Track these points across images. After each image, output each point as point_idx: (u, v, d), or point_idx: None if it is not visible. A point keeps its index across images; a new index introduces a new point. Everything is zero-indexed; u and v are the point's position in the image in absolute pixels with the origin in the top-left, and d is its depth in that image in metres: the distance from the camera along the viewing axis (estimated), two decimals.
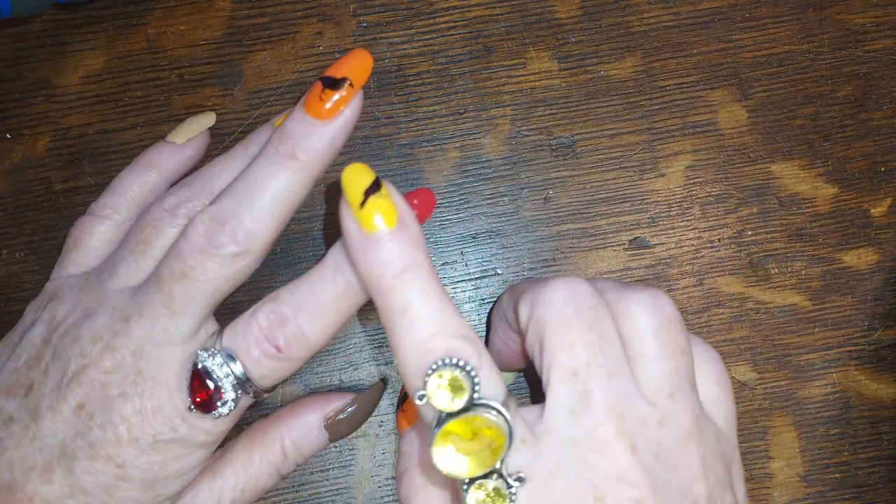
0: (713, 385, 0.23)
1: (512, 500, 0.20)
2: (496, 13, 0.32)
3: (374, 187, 0.21)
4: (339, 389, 0.30)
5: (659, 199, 0.31)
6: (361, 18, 0.31)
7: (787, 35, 0.32)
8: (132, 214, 0.27)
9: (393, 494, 0.30)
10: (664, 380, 0.21)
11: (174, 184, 0.28)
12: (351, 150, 0.31)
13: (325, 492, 0.30)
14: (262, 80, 0.31)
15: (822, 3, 0.32)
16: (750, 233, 0.31)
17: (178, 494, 0.25)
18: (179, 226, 0.25)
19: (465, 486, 0.20)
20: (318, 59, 0.31)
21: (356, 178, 0.22)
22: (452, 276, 0.31)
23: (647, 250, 0.31)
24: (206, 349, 0.24)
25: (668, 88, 0.32)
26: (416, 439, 0.25)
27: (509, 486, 0.20)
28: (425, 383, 0.20)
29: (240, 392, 0.24)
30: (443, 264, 0.31)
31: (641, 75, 0.32)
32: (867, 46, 0.32)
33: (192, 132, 0.29)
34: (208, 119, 0.29)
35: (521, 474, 0.20)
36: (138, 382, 0.24)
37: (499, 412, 0.20)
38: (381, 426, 0.30)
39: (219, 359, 0.23)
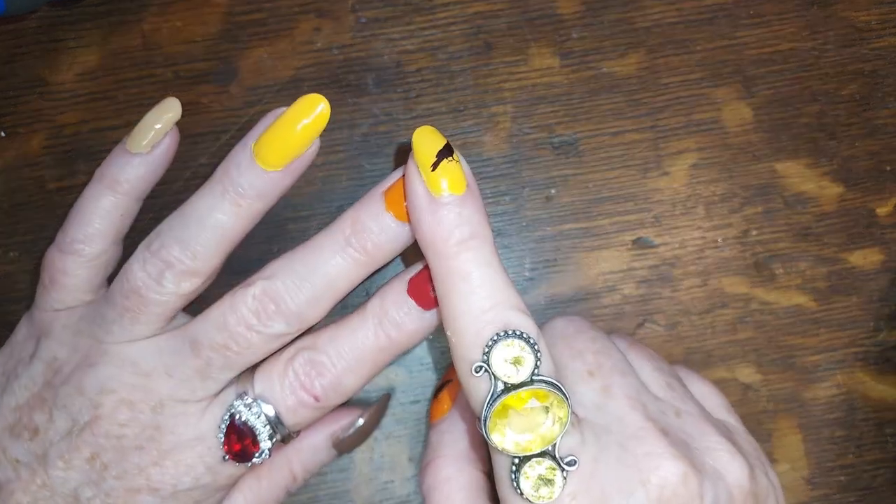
0: (698, 383, 0.26)
1: (562, 485, 0.20)
2: (497, 8, 0.31)
3: (447, 151, 0.21)
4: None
5: (663, 197, 0.31)
6: (360, 14, 0.31)
7: (792, 32, 0.32)
8: (106, 246, 0.25)
9: (391, 498, 0.30)
10: (656, 376, 0.23)
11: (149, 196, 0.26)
12: (349, 147, 0.31)
13: (324, 495, 0.30)
14: (259, 77, 0.31)
15: (827, 0, 0.32)
16: (755, 232, 0.31)
17: None
18: (168, 293, 0.23)
19: (514, 467, 0.20)
20: (316, 56, 0.31)
21: (428, 140, 0.21)
22: None
23: (651, 250, 0.31)
24: (241, 398, 0.23)
25: (671, 86, 0.31)
26: (447, 430, 0.24)
27: (562, 469, 0.20)
28: (486, 353, 0.20)
29: (274, 438, 0.24)
30: None
31: (645, 72, 0.31)
32: (873, 44, 0.32)
33: (157, 135, 0.24)
34: (172, 111, 0.25)
35: (572, 457, 0.20)
36: (156, 437, 0.23)
37: (559, 388, 0.20)
38: (379, 430, 0.30)
39: (255, 409, 0.23)
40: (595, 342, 0.23)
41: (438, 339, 0.31)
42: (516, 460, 0.20)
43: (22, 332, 0.26)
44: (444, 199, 0.21)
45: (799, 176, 0.31)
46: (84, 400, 0.23)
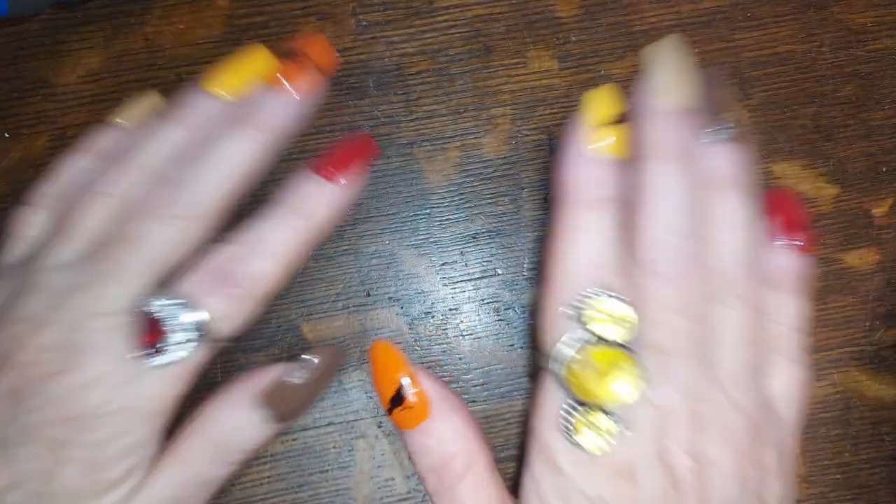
0: (791, 386, 0.24)
1: (599, 448, 0.21)
2: (496, 12, 0.32)
3: (620, 120, 0.22)
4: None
5: None
6: (360, 17, 0.31)
7: (789, 34, 0.32)
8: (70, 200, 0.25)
9: (392, 495, 0.30)
10: (733, 367, 0.22)
11: None
12: None
13: (325, 493, 0.30)
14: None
15: (823, 3, 0.32)
16: None
17: (123, 481, 0.23)
18: (103, 204, 0.24)
19: (567, 407, 0.21)
20: None
21: (602, 100, 0.23)
22: (452, 276, 0.31)
23: None
24: (155, 295, 0.22)
25: None
26: (446, 429, 0.23)
27: (618, 433, 0.21)
28: (583, 300, 0.21)
29: (191, 337, 0.22)
30: (443, 264, 0.31)
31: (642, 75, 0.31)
32: (868, 46, 0.32)
33: (139, 115, 0.26)
34: (151, 99, 0.27)
35: (626, 420, 0.21)
36: (71, 356, 0.22)
37: (643, 367, 0.21)
38: (380, 427, 0.30)
39: (167, 302, 0.22)
40: (689, 314, 0.22)
41: (439, 339, 0.31)
42: (571, 403, 0.22)
43: None
44: (599, 157, 0.22)
45: (795, 177, 0.32)
46: (4, 333, 0.23)
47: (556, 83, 0.31)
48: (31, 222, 0.25)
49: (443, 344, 0.31)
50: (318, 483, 0.30)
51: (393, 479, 0.30)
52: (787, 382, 0.24)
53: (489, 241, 0.31)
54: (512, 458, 0.30)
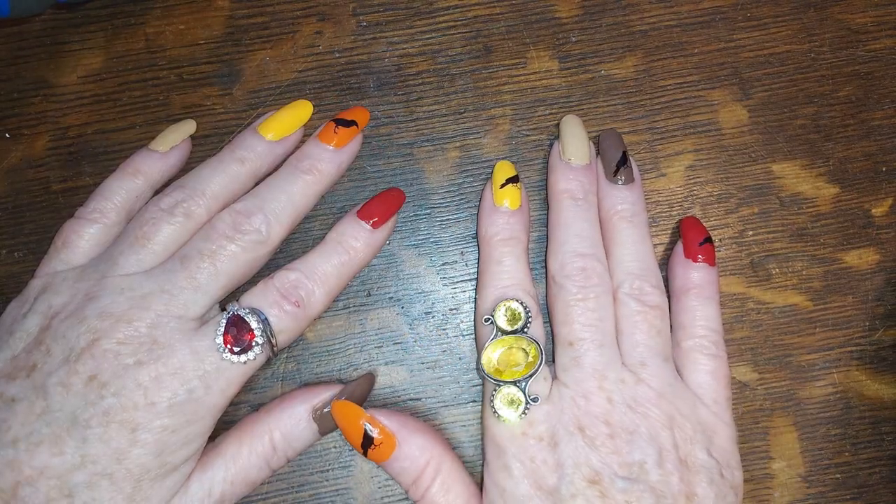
0: (705, 374, 0.28)
1: (525, 412, 0.27)
2: (496, 12, 0.32)
3: (514, 180, 0.30)
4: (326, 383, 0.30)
5: (660, 198, 0.31)
6: (361, 18, 0.31)
7: (788, 34, 0.32)
8: (120, 218, 0.29)
9: (392, 495, 0.30)
10: (635, 351, 0.28)
11: (158, 190, 0.30)
12: None
13: (325, 492, 0.30)
14: (262, 80, 0.31)
15: (822, 3, 0.32)
16: (751, 233, 0.31)
17: (180, 468, 0.26)
18: (177, 223, 0.27)
19: (493, 392, 0.27)
20: (318, 59, 0.31)
21: (503, 169, 0.30)
22: (452, 276, 0.31)
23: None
24: (233, 306, 0.27)
25: (668, 88, 0.32)
26: (412, 449, 0.27)
27: (527, 400, 0.27)
28: (494, 310, 0.28)
29: (265, 341, 0.27)
30: (443, 264, 0.31)
31: (642, 75, 0.32)
32: (868, 46, 0.32)
33: (175, 140, 0.30)
34: (189, 126, 0.30)
35: (536, 396, 0.27)
36: (154, 350, 0.25)
37: (537, 345, 0.28)
38: None
39: (245, 310, 0.27)
40: (588, 313, 0.28)
41: (440, 339, 0.31)
42: (496, 386, 0.27)
43: (18, 298, 0.28)
44: (501, 209, 0.29)
45: (795, 177, 0.32)
46: (83, 327, 0.26)
47: (556, 83, 0.31)
48: (83, 234, 0.28)
49: (443, 344, 0.31)
50: (318, 483, 0.30)
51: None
52: (704, 374, 0.28)
53: None
54: None
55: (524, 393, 0.27)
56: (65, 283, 0.27)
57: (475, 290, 0.31)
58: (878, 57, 0.32)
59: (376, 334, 0.31)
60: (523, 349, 0.28)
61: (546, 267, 0.30)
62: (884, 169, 0.32)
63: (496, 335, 0.28)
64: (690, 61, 0.32)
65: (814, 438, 0.31)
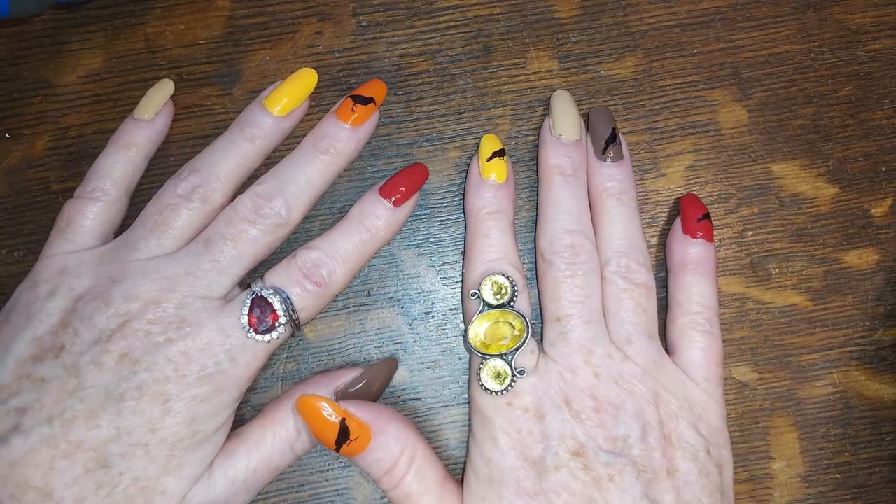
0: (698, 350, 0.29)
1: (511, 385, 0.27)
2: (496, 13, 0.32)
3: (501, 153, 0.30)
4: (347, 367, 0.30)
5: (660, 198, 0.31)
6: (361, 18, 0.31)
7: (788, 35, 0.32)
8: (120, 194, 0.29)
9: None
10: (622, 329, 0.28)
11: (153, 158, 0.31)
12: None
13: (325, 492, 0.30)
14: (262, 80, 0.31)
15: (822, 3, 0.32)
16: (751, 233, 0.31)
17: (211, 438, 0.27)
18: (195, 209, 0.28)
19: (480, 365, 0.28)
20: (318, 59, 0.31)
21: (490, 142, 0.30)
22: (452, 277, 0.31)
23: (649, 250, 0.31)
24: (257, 286, 0.27)
25: (668, 88, 0.32)
26: (384, 443, 0.27)
27: (513, 373, 0.27)
28: (481, 284, 0.28)
29: (288, 320, 0.27)
30: (443, 264, 0.31)
31: (642, 75, 0.32)
32: (868, 46, 0.32)
33: (158, 104, 0.30)
34: (168, 87, 0.30)
35: (523, 369, 0.28)
36: (182, 327, 0.26)
37: (523, 319, 0.28)
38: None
39: (269, 290, 0.27)
40: (575, 290, 0.28)
41: (440, 339, 0.31)
42: (483, 360, 0.28)
43: (29, 280, 0.28)
44: (488, 182, 0.29)
45: (794, 177, 0.32)
46: (110, 309, 0.26)
47: (556, 84, 0.31)
48: (86, 213, 0.29)
49: (443, 344, 0.31)
50: (318, 483, 0.30)
51: None
52: (698, 351, 0.29)
53: None
54: None
55: (510, 366, 0.28)
56: (84, 267, 0.28)
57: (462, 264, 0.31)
58: (877, 57, 0.32)
59: (376, 334, 0.31)
60: (510, 323, 0.28)
61: (535, 243, 0.30)
62: (883, 169, 0.32)
63: (483, 309, 0.28)
64: (690, 61, 0.32)
65: (814, 438, 0.31)
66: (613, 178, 0.29)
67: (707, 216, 0.30)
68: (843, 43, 0.32)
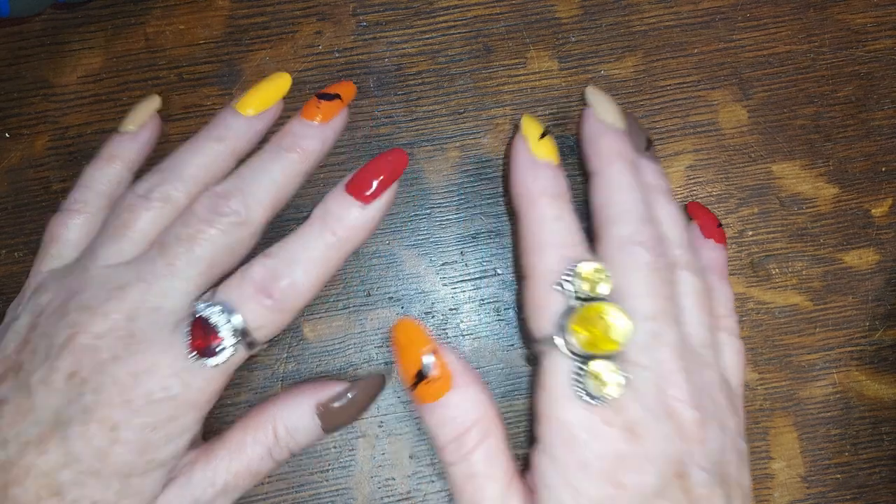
0: (732, 354, 0.28)
1: (610, 396, 0.24)
2: (496, 12, 0.32)
3: (547, 132, 0.27)
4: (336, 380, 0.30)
5: None
6: (361, 17, 0.31)
7: (788, 35, 0.32)
8: (103, 206, 0.28)
9: (392, 495, 0.30)
10: (702, 332, 0.26)
11: (139, 171, 0.29)
12: (351, 149, 0.31)
13: (325, 492, 0.30)
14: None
15: (822, 3, 0.32)
16: (751, 233, 0.31)
17: (169, 462, 0.25)
18: (155, 209, 0.26)
19: (577, 371, 0.24)
20: (318, 59, 0.31)
21: (534, 123, 0.28)
22: (452, 277, 0.31)
23: None
24: (203, 301, 0.25)
25: (668, 88, 0.32)
26: (466, 400, 0.25)
27: (612, 386, 0.24)
28: (567, 275, 0.25)
29: (238, 341, 0.25)
30: (443, 264, 0.31)
31: (642, 75, 0.32)
32: (868, 46, 0.32)
33: (143, 118, 0.29)
34: (154, 102, 0.29)
35: (623, 377, 0.24)
36: (130, 344, 0.24)
37: (625, 315, 0.24)
38: (380, 427, 0.30)
39: (216, 308, 0.25)
40: (667, 285, 0.25)
41: (439, 339, 0.31)
42: (578, 364, 0.24)
43: (13, 304, 0.28)
44: (545, 162, 0.27)
45: (795, 177, 0.32)
46: (63, 322, 0.25)
47: (555, 83, 0.31)
48: (70, 226, 0.28)
49: (443, 344, 0.31)
50: (318, 482, 0.30)
51: (393, 478, 0.30)
52: (732, 354, 0.28)
53: (489, 241, 0.31)
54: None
55: (611, 373, 0.24)
56: (52, 282, 0.27)
57: (518, 255, 0.28)
58: (878, 57, 0.32)
59: (376, 334, 0.31)
60: (605, 319, 0.24)
61: (603, 231, 0.26)
62: (883, 169, 0.32)
63: (577, 304, 0.24)
64: (690, 61, 0.32)
65: (814, 439, 0.31)
66: (658, 174, 0.28)
67: (720, 223, 0.30)
68: (844, 43, 0.32)
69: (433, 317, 0.31)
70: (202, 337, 0.25)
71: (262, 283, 0.25)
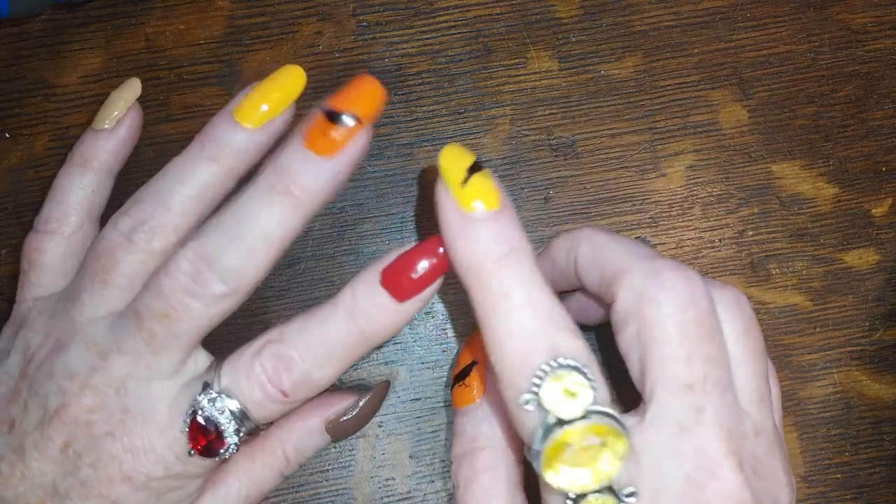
0: (774, 383, 0.23)
1: None
2: (496, 12, 0.32)
3: (476, 167, 0.20)
4: (339, 390, 0.30)
5: (660, 199, 0.31)
6: (361, 18, 0.31)
7: (788, 35, 0.32)
8: (81, 220, 0.25)
9: (392, 495, 0.30)
10: (754, 384, 0.21)
11: (119, 171, 0.27)
12: None
13: (325, 492, 0.30)
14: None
15: (822, 3, 0.32)
16: (751, 233, 0.31)
17: None
18: (139, 251, 0.23)
19: (570, 501, 0.19)
20: (318, 59, 0.31)
21: (456, 157, 0.20)
22: (452, 276, 0.31)
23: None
24: (205, 392, 0.22)
25: (668, 88, 0.32)
26: (483, 420, 0.23)
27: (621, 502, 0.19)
28: (536, 385, 0.18)
29: (241, 433, 0.23)
30: None
31: (642, 75, 0.31)
32: (868, 46, 0.32)
33: (120, 111, 0.25)
34: (132, 89, 0.26)
35: (631, 488, 0.19)
36: (125, 421, 0.22)
37: (616, 420, 0.18)
38: (380, 427, 0.30)
39: (220, 403, 0.22)
40: (711, 342, 0.20)
41: (440, 339, 0.31)
42: (572, 496, 0.19)
43: (2, 343, 0.26)
44: (477, 215, 0.20)
45: (795, 177, 0.32)
46: (53, 385, 0.23)
47: (556, 84, 0.31)
48: (45, 250, 0.25)
49: (443, 344, 0.31)
50: (318, 483, 0.30)
51: (393, 478, 0.30)
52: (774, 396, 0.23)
53: None
54: None
55: (616, 494, 0.19)
56: (39, 318, 0.24)
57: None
58: (878, 57, 0.32)
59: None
60: (598, 437, 0.18)
61: (612, 274, 0.21)
62: (884, 169, 0.32)
63: (553, 427, 0.18)
64: (690, 61, 0.32)
65: (814, 439, 0.31)
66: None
67: None
68: (844, 43, 0.32)
69: (433, 317, 0.31)
70: (205, 439, 0.22)
71: (274, 377, 0.22)
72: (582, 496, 0.19)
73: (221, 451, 0.23)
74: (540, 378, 0.19)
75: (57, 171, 0.31)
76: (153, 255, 0.23)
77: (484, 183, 0.20)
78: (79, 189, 0.25)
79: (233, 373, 0.22)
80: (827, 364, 0.31)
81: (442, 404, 0.30)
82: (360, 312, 0.22)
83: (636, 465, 0.19)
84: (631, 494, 0.19)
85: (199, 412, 0.22)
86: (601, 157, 0.31)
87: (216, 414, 0.22)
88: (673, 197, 0.31)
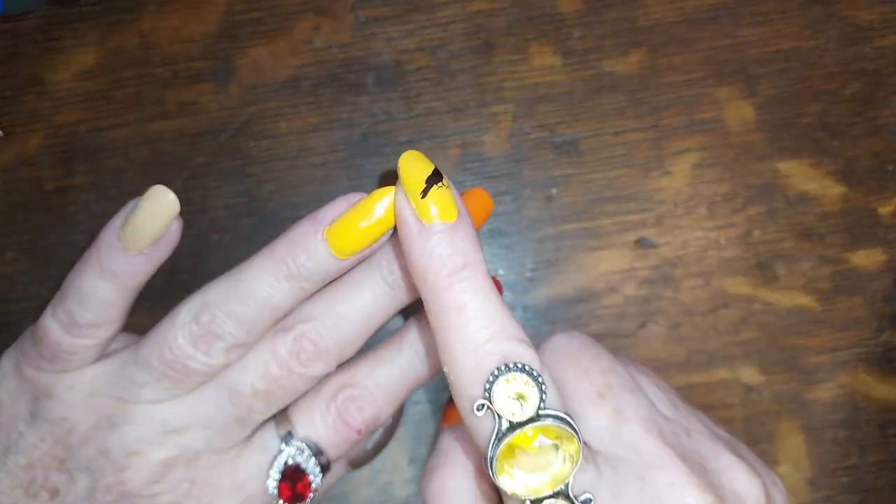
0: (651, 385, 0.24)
1: None
2: (497, 7, 0.31)
3: (436, 177, 0.21)
4: None
5: (665, 197, 0.31)
6: (359, 12, 0.31)
7: (795, 31, 0.32)
8: (116, 328, 0.24)
9: (390, 499, 0.30)
10: (661, 393, 0.23)
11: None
12: (348, 147, 0.31)
13: (323, 498, 0.30)
14: (258, 76, 0.31)
15: None
16: (757, 232, 0.31)
17: None
18: (216, 364, 0.23)
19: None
20: (315, 54, 0.31)
21: (416, 166, 0.21)
22: None
23: (653, 250, 0.31)
24: (287, 442, 0.23)
25: (673, 85, 0.31)
26: (461, 438, 0.23)
27: None
28: (487, 390, 0.19)
29: (323, 474, 0.24)
30: None
31: (646, 71, 0.31)
32: (875, 43, 0.32)
33: (157, 231, 0.23)
34: (170, 206, 0.22)
35: (588, 495, 0.19)
36: (192, 493, 0.23)
37: (568, 423, 0.19)
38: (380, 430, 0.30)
39: (307, 453, 0.23)
40: (600, 359, 0.22)
41: None
42: (528, 502, 0.19)
43: (9, 383, 0.24)
44: (434, 227, 0.20)
45: (801, 175, 0.31)
46: (109, 462, 0.22)
47: (558, 80, 0.31)
48: (78, 352, 0.23)
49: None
50: None
51: (392, 483, 0.30)
52: None
53: (490, 240, 0.31)
54: None
55: (572, 500, 0.19)
56: (73, 394, 0.23)
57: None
58: (885, 54, 0.32)
59: (376, 335, 0.30)
60: (553, 443, 0.19)
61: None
62: (891, 168, 0.31)
63: (505, 432, 0.19)
64: (695, 58, 0.31)
65: (821, 441, 0.31)
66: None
67: None
68: (851, 39, 0.32)
69: None
70: (293, 488, 0.23)
71: (348, 415, 0.24)
72: (538, 501, 0.19)
73: (311, 495, 0.24)
74: (490, 383, 0.19)
75: (50, 170, 0.30)
76: (230, 359, 0.23)
77: (442, 196, 0.21)
78: (110, 302, 0.23)
79: (308, 420, 0.24)
80: (833, 366, 0.31)
81: (442, 406, 0.30)
82: (427, 351, 0.24)
83: (595, 472, 0.20)
84: (588, 501, 0.19)
85: (290, 462, 0.23)
86: (605, 154, 0.31)
87: (304, 462, 0.23)
88: (678, 195, 0.31)
